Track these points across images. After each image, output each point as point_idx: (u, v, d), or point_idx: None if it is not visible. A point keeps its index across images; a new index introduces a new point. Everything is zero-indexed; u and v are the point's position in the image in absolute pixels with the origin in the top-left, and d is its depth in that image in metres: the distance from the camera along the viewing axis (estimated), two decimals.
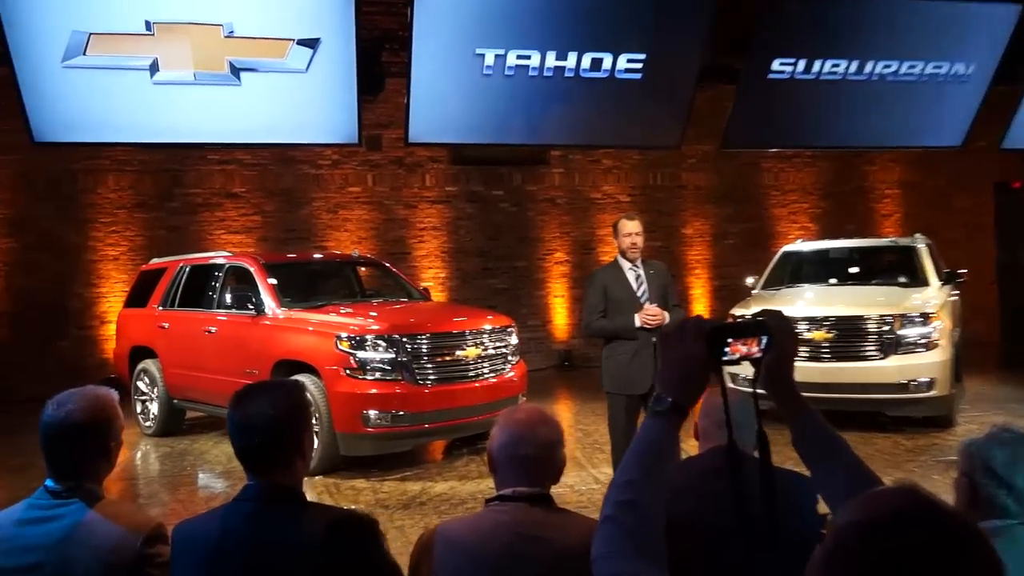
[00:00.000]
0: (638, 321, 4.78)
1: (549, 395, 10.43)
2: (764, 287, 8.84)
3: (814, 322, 7.34)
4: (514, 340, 7.27)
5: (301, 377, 6.56)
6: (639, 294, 4.91)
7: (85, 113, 6.70)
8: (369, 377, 6.35)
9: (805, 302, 7.77)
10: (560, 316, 13.05)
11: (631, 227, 4.95)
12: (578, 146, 11.95)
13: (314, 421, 6.46)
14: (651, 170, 13.42)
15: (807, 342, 7.25)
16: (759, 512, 1.37)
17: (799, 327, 7.22)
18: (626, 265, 4.96)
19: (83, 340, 11.45)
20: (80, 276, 11.48)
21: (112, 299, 11.41)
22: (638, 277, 4.95)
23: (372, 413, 6.30)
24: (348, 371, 6.36)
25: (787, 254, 9.31)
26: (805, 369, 6.91)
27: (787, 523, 1.36)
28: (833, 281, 8.68)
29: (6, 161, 11.19)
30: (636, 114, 8.03)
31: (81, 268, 11.48)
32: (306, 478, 6.28)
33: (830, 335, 7.29)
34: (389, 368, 6.37)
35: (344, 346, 6.39)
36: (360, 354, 6.36)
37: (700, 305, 13.52)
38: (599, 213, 13.20)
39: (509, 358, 7.12)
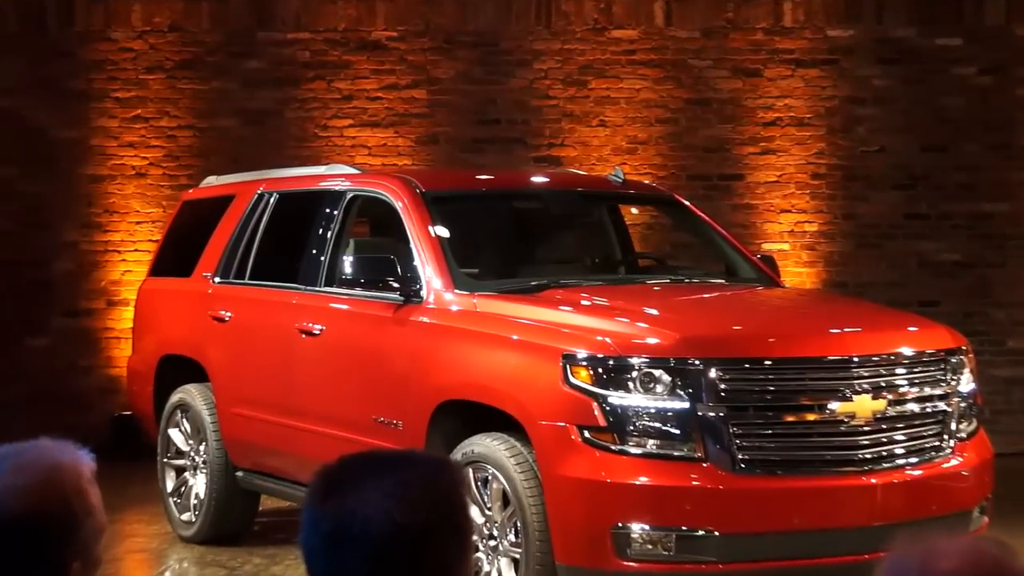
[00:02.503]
0: None
1: None
2: None
3: None
4: (969, 383, 7.16)
5: (488, 440, 6.82)
6: None
7: None
8: (633, 449, 6.49)
9: None
10: None
11: None
12: None
13: (510, 537, 6.66)
14: None
15: None
16: None
17: None
18: None
19: (75, 336, 12.58)
20: (74, 209, 12.60)
21: (131, 257, 12.44)
22: None
23: (637, 529, 6.40)
24: (588, 433, 6.47)
25: None
26: None
27: None
28: None
29: None
30: None
31: (76, 192, 12.59)
32: None
33: None
34: (677, 431, 6.47)
35: (581, 379, 6.53)
36: (615, 397, 6.49)
37: None
38: None
39: (955, 425, 7.04)
